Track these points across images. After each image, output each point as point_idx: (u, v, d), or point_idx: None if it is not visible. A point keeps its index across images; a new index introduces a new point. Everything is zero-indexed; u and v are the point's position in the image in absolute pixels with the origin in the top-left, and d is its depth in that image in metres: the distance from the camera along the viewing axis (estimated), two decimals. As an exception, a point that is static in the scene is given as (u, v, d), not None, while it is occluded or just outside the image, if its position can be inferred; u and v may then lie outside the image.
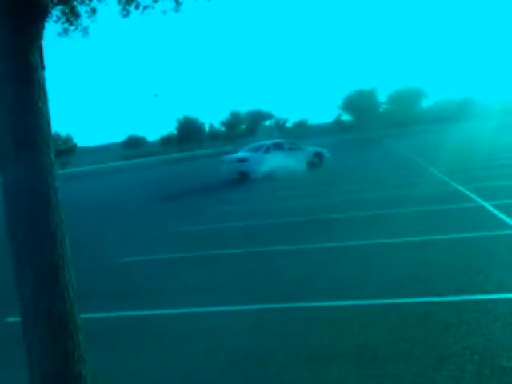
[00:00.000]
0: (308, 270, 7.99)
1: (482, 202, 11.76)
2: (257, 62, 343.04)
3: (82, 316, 3.40)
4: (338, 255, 8.76)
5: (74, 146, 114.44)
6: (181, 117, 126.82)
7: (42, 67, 3.12)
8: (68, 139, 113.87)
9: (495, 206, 10.97)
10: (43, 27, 3.12)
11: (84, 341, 3.24)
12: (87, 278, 8.79)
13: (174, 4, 4.12)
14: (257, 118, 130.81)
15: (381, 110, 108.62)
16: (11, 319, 6.90)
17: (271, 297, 6.93)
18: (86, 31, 4.08)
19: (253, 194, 19.78)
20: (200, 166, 54.74)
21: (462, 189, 14.20)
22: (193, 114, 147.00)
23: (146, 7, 4.04)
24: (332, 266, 8.07)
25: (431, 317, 5.62)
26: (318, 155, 29.88)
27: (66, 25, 3.89)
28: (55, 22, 3.75)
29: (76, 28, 3.97)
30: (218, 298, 7.16)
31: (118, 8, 3.97)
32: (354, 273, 7.51)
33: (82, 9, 4.04)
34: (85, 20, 3.89)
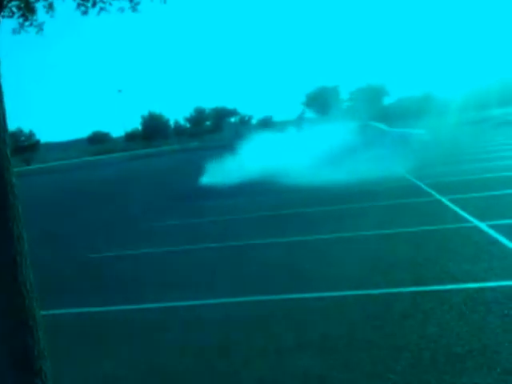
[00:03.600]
0: (276, 263, 8.09)
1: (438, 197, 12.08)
2: (221, 58, 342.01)
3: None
4: (298, 249, 8.89)
5: (37, 141, 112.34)
6: (145, 113, 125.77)
7: (-2, 62, 3.09)
8: (31, 135, 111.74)
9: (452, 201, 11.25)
10: (-1, 22, 3.09)
11: (44, 336, 3.23)
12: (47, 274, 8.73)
13: (129, 3, 4.11)
14: (222, 114, 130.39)
15: (343, 107, 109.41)
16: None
17: (236, 291, 6.99)
18: (40, 27, 4.03)
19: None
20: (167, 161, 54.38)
21: (422, 184, 14.44)
22: (157, 109, 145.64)
23: (102, 8, 4.02)
24: (295, 259, 8.16)
25: (389, 307, 5.76)
26: None
27: (21, 20, 3.86)
28: (9, 17, 3.71)
29: (31, 24, 3.93)
30: (183, 292, 7.20)
31: (74, 4, 3.95)
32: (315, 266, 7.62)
33: (39, 4, 4.01)
34: (41, 16, 3.86)
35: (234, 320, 5.96)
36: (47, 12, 4.10)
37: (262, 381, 4.46)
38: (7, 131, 3.11)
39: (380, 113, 62.46)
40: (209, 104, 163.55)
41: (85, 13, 4.20)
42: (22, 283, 3.08)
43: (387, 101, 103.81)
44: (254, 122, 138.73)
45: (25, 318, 3.10)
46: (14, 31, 3.87)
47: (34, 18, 3.89)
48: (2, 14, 3.18)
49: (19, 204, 3.15)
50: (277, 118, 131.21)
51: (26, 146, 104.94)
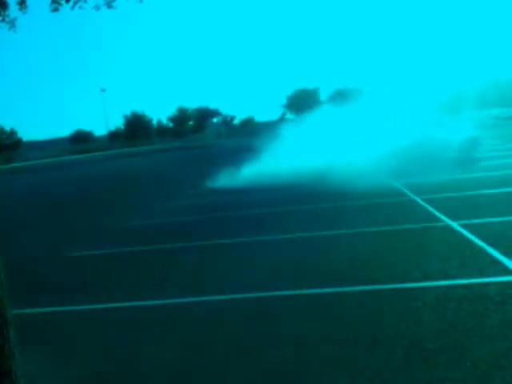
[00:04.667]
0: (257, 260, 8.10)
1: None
2: (204, 59, 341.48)
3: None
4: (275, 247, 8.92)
5: (19, 140, 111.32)
6: (128, 112, 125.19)
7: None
8: (12, 133, 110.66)
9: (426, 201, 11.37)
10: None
11: (14, 336, 3.19)
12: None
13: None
14: (204, 114, 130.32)
15: (322, 109, 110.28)
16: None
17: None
18: (13, 23, 3.98)
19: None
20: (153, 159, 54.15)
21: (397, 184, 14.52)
22: (140, 109, 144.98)
23: (76, 2, 3.98)
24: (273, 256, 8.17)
25: (365, 304, 5.82)
26: None
27: (-6, 15, 3.80)
28: (-19, 11, 3.66)
29: (3, 19, 3.88)
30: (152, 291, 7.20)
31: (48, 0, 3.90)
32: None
33: (11, 0, 3.96)
34: (14, 12, 3.81)
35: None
36: (20, 9, 4.05)
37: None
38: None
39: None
40: (192, 104, 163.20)
41: (56, 10, 4.16)
42: (-8, 282, 3.05)
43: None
44: (236, 122, 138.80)
45: (-6, 316, 3.06)
46: (-15, 26, 3.81)
47: (7, 13, 3.84)
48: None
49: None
50: (259, 118, 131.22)
51: (8, 144, 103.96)
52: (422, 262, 7.03)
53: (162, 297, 6.87)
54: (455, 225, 8.85)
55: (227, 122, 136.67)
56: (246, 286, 6.88)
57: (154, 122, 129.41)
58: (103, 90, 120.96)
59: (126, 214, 15.14)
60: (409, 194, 12.83)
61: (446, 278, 6.32)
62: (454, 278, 6.29)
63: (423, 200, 11.59)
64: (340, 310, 5.74)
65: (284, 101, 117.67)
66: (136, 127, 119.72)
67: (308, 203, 13.24)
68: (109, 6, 4.17)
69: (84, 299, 7.13)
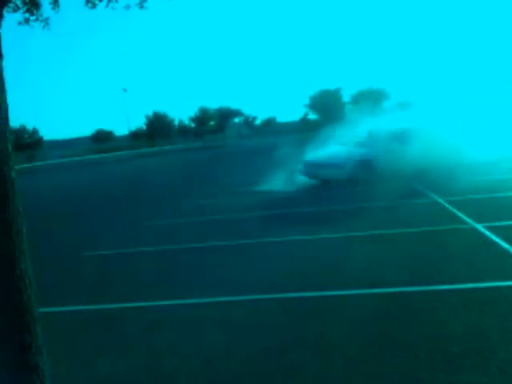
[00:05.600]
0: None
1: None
2: (226, 59, 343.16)
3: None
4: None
5: (41, 139, 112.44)
6: (150, 112, 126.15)
7: (0, 56, 3.08)
8: (34, 132, 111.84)
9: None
10: (2, 16, 3.08)
11: (42, 333, 3.21)
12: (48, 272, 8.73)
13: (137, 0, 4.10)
14: (226, 114, 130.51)
15: (345, 110, 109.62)
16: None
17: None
18: (46, 22, 4.03)
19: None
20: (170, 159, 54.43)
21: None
22: (162, 109, 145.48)
23: (109, 1, 4.01)
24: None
25: (385, 306, 5.77)
26: None
27: (27, 14, 3.86)
28: (15, 11, 3.70)
29: (37, 18, 3.93)
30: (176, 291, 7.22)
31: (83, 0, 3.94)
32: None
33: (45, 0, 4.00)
34: (46, 11, 3.86)
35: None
36: (53, 8, 4.09)
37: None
38: (8, 126, 3.10)
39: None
40: (213, 104, 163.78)
41: (92, 7, 4.20)
42: (21, 279, 3.07)
43: (387, 104, 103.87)
44: (257, 122, 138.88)
45: (22, 313, 3.09)
46: (20, 24, 3.86)
47: (40, 12, 3.88)
48: (7, 8, 3.16)
49: (19, 199, 3.13)
50: (281, 119, 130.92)
51: (29, 143, 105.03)
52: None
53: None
54: (480, 227, 8.79)
55: (249, 123, 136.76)
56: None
57: (176, 122, 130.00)
58: (125, 90, 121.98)
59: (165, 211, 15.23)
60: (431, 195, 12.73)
61: (471, 280, 6.27)
62: (479, 280, 6.24)
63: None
64: (361, 312, 5.70)
65: (306, 101, 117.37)
66: (157, 127, 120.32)
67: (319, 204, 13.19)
68: (140, 6, 4.19)
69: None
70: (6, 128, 3.06)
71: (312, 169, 17.75)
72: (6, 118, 3.08)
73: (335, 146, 19.08)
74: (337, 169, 17.02)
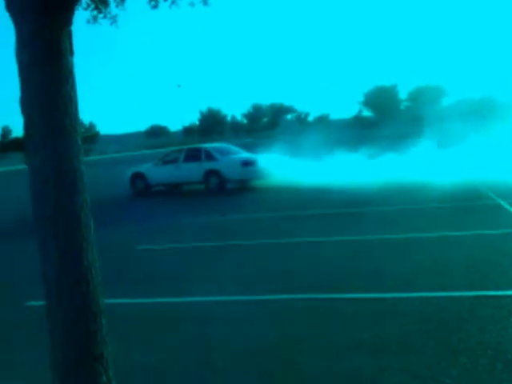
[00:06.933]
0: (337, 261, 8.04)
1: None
2: (280, 55, 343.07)
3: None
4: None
5: (97, 133, 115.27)
6: (204, 108, 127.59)
7: (71, 52, 3.16)
8: (91, 127, 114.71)
9: None
10: (73, 13, 3.15)
11: (106, 323, 3.29)
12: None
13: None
14: (279, 111, 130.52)
15: (401, 107, 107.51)
16: (30, 303, 7.02)
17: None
18: (114, 19, 4.13)
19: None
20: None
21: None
22: (215, 105, 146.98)
23: (173, 1, 4.06)
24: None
25: (445, 311, 5.65)
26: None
27: (95, 12, 3.96)
28: (85, 9, 3.81)
29: (105, 16, 4.02)
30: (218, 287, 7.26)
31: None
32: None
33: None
34: (114, 8, 3.94)
35: None
36: (117, 6, 4.17)
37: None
38: (79, 120, 3.18)
39: (438, 114, 60.71)
40: (266, 100, 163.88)
41: (155, 7, 4.26)
42: (88, 269, 3.15)
43: (446, 102, 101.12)
44: (310, 119, 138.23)
45: (89, 303, 3.17)
46: (88, 22, 3.96)
47: (108, 10, 3.97)
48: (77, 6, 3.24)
49: (87, 192, 3.21)
50: (334, 115, 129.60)
51: (86, 137, 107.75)
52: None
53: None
54: None
55: (301, 119, 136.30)
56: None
57: (229, 118, 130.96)
58: (179, 86, 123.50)
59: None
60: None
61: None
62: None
63: None
64: (420, 315, 5.60)
65: (361, 98, 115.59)
66: (210, 123, 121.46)
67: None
68: (205, 3, 4.22)
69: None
70: (77, 122, 3.15)
71: None
72: (77, 113, 3.16)
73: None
74: None
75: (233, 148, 22.41)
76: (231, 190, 19.98)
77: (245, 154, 21.42)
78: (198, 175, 19.89)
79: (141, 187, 20.89)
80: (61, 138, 3.07)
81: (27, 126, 3.10)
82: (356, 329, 5.40)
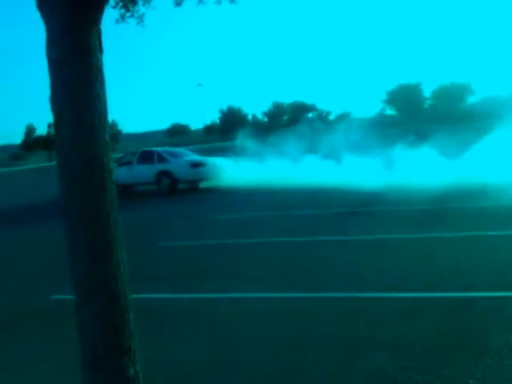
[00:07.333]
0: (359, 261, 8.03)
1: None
2: (301, 53, 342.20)
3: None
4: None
5: (119, 132, 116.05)
6: (224, 107, 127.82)
7: (101, 50, 3.20)
8: (113, 125, 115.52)
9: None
10: (102, 12, 3.19)
11: (133, 317, 3.34)
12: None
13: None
14: (300, 109, 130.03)
15: (425, 105, 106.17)
16: (56, 297, 7.12)
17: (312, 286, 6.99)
18: (141, 18, 4.16)
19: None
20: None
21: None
22: (236, 103, 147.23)
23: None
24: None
25: (469, 311, 5.61)
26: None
27: (123, 11, 4.00)
28: (113, 7, 3.85)
29: (132, 15, 4.06)
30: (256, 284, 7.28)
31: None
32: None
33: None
34: (141, 7, 3.98)
35: None
36: (144, 4, 4.21)
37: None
38: (107, 118, 3.23)
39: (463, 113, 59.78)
40: (287, 98, 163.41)
41: (179, 4, 4.28)
42: (117, 266, 3.19)
43: (471, 100, 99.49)
44: (331, 117, 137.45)
45: (117, 298, 3.21)
46: (117, 21, 4.00)
47: (136, 9, 4.01)
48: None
49: (115, 190, 3.25)
50: (356, 114, 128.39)
51: (109, 135, 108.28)
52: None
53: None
54: None
55: (322, 117, 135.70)
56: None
57: (249, 116, 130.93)
58: (200, 85, 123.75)
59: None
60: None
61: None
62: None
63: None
64: (445, 315, 5.57)
65: (384, 96, 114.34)
66: (231, 121, 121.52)
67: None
68: (232, 0, 4.23)
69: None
70: (106, 120, 3.19)
71: None
72: (106, 111, 3.21)
73: None
74: None
75: (185, 152, 24.02)
76: (181, 190, 21.44)
77: (195, 157, 23.05)
78: (150, 176, 21.26)
79: None
80: (90, 135, 3.12)
81: (57, 124, 3.14)
82: (379, 327, 5.39)
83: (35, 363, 5.37)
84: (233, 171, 21.74)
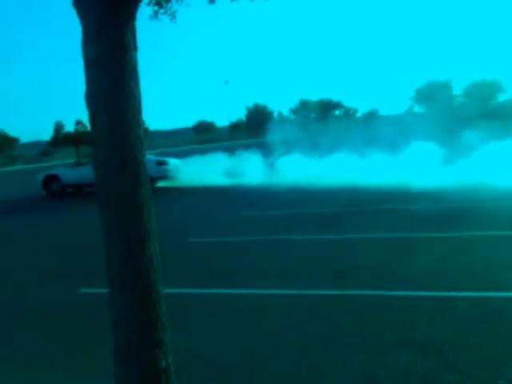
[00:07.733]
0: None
1: None
2: (328, 50, 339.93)
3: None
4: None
5: (146, 129, 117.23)
6: (251, 104, 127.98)
7: (135, 48, 3.24)
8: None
9: None
10: (137, 8, 3.23)
11: (165, 310, 3.39)
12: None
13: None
14: (326, 106, 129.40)
15: (455, 103, 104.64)
16: (84, 290, 7.23)
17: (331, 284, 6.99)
18: (173, 15, 4.20)
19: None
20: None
21: None
22: (263, 101, 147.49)
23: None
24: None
25: (499, 311, 5.56)
26: None
27: (156, 7, 4.04)
28: (148, 4, 3.90)
29: (165, 11, 4.10)
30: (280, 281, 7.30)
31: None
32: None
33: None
34: (174, 4, 4.01)
35: None
36: (176, 1, 4.24)
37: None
38: (141, 114, 3.27)
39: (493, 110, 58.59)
40: (314, 96, 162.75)
41: (212, 2, 4.32)
42: (150, 260, 3.25)
43: (502, 97, 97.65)
44: (358, 115, 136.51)
45: (150, 292, 3.27)
46: (151, 17, 4.05)
47: (169, 5, 4.05)
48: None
49: (149, 184, 3.30)
50: (383, 111, 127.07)
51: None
52: None
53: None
54: None
55: (349, 115, 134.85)
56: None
57: (276, 114, 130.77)
58: (227, 83, 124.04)
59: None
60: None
61: None
62: None
63: None
64: (473, 315, 5.52)
65: (412, 93, 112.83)
66: (257, 119, 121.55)
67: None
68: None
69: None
70: (140, 116, 3.24)
71: None
72: (140, 108, 3.25)
73: None
74: None
75: (150, 152, 25.52)
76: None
77: (159, 157, 24.26)
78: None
79: (56, 188, 23.66)
80: (124, 132, 3.17)
81: (92, 121, 3.21)
82: (409, 327, 5.37)
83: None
84: (188, 171, 23.44)
